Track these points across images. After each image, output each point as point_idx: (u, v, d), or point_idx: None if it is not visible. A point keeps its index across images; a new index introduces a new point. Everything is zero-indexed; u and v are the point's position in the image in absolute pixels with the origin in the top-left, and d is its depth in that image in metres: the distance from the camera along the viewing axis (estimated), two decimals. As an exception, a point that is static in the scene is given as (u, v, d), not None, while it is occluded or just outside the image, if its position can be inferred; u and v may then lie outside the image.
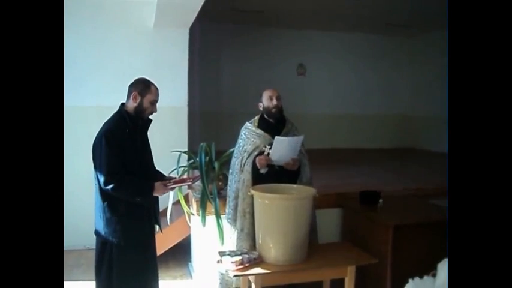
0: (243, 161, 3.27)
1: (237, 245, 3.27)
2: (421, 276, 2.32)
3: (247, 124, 3.37)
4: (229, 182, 3.42)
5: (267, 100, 3.26)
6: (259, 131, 3.28)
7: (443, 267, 2.00)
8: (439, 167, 6.78)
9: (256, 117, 3.37)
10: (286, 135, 3.24)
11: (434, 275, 2.17)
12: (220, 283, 3.45)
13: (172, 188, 2.93)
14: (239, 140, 3.36)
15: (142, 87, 2.73)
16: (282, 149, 3.09)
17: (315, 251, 3.08)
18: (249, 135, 3.31)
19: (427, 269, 2.38)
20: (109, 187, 2.57)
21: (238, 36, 8.22)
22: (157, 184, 2.75)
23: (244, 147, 3.29)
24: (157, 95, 2.78)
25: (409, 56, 9.49)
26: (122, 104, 2.78)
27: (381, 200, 3.80)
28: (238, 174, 3.29)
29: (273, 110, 3.25)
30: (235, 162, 3.35)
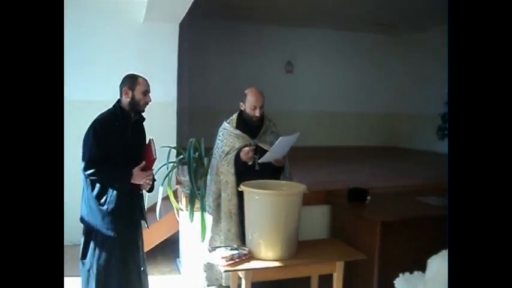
0: (222, 162, 3.19)
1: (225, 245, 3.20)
2: (411, 272, 2.36)
3: (225, 124, 3.27)
4: (208, 182, 3.35)
5: (249, 108, 3.13)
6: (237, 131, 3.20)
7: (432, 262, 2.04)
8: (424, 165, 6.91)
9: (234, 116, 3.27)
10: (264, 133, 3.22)
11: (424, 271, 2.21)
12: (207, 281, 3.46)
13: (150, 177, 2.88)
14: (217, 141, 3.28)
15: (131, 81, 2.82)
16: (281, 146, 3.04)
17: (304, 247, 3.10)
18: (227, 136, 3.21)
19: (414, 264, 2.43)
20: (88, 172, 2.66)
21: (227, 32, 8.22)
22: (135, 170, 2.77)
23: (223, 149, 3.21)
24: (146, 85, 2.85)
25: (396, 55, 9.58)
26: (119, 100, 2.86)
27: (368, 197, 3.85)
28: (218, 176, 3.21)
29: (254, 119, 3.16)
30: (214, 164, 3.26)
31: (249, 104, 3.14)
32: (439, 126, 7.99)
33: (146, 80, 2.86)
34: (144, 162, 2.82)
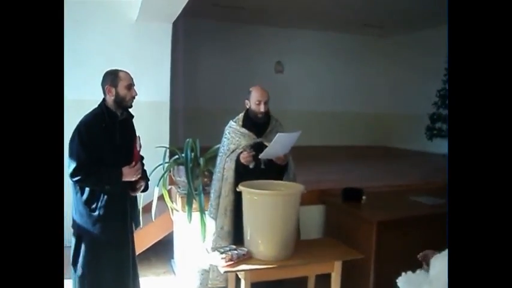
0: (226, 160, 3.23)
1: (215, 243, 3.22)
2: (407, 270, 2.37)
3: (232, 123, 3.30)
4: (213, 181, 3.37)
5: (254, 104, 3.17)
6: (243, 130, 3.23)
7: (436, 261, 2.04)
8: (414, 164, 6.99)
9: (241, 115, 3.30)
10: (271, 132, 3.22)
11: (425, 269, 2.22)
12: (201, 283, 3.45)
13: (139, 171, 2.79)
14: (223, 139, 3.30)
15: (111, 77, 2.68)
16: (280, 144, 3.05)
17: (302, 247, 3.10)
18: (233, 135, 3.24)
19: (410, 264, 2.44)
20: (76, 179, 2.54)
21: (219, 32, 8.22)
22: (125, 169, 2.67)
23: (229, 147, 3.24)
24: (129, 78, 2.71)
25: (384, 56, 9.67)
26: (104, 99, 2.72)
27: (364, 197, 3.87)
28: (221, 173, 3.25)
29: (259, 115, 3.19)
30: (219, 162, 3.29)
31: (254, 100, 3.17)
32: (427, 126, 8.09)
33: (128, 74, 2.72)
34: (134, 162, 2.72)
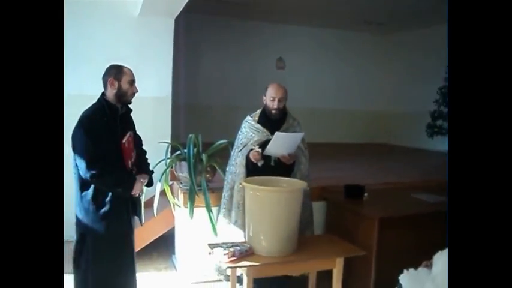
0: (237, 154, 3.30)
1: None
2: (408, 268, 2.38)
3: (248, 118, 3.37)
4: (226, 173, 3.45)
5: (269, 99, 3.23)
6: (258, 125, 3.29)
7: (439, 258, 2.06)
8: (414, 162, 6.99)
9: (258, 111, 3.37)
10: (285, 131, 3.24)
11: (426, 266, 2.24)
12: (216, 270, 3.48)
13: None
14: (239, 133, 3.38)
15: (115, 71, 2.69)
16: (280, 143, 3.09)
17: (304, 243, 3.11)
18: (248, 129, 3.32)
19: (411, 260, 2.44)
20: (90, 174, 2.53)
21: (221, 28, 8.21)
22: (138, 178, 2.74)
23: (242, 141, 3.31)
24: (132, 74, 2.74)
25: (386, 53, 9.66)
26: (103, 94, 2.73)
27: (366, 194, 3.88)
28: (234, 166, 3.32)
29: (273, 111, 3.23)
30: (232, 154, 3.38)
31: (269, 96, 3.24)
32: (428, 124, 8.09)
33: (131, 70, 2.75)
34: (144, 175, 2.81)
